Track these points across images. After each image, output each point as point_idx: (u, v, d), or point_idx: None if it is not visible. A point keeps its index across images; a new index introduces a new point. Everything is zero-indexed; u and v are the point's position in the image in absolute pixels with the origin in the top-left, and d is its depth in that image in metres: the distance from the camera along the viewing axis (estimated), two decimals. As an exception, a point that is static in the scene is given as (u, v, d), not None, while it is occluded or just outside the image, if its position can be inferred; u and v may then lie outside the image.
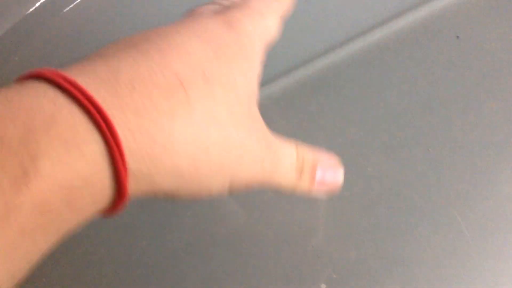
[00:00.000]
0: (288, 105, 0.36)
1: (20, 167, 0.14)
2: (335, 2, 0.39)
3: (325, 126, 0.35)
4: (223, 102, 0.19)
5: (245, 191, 0.21)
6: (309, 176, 0.23)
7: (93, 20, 0.41)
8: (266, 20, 0.23)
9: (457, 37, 0.36)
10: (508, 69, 0.35)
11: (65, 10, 0.41)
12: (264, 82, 0.37)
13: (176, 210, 0.33)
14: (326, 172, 0.24)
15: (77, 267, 0.31)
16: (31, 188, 0.14)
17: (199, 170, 0.18)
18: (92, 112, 0.15)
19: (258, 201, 0.33)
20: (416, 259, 0.30)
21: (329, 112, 0.36)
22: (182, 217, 0.32)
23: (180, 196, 0.19)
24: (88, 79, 0.16)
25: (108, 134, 0.15)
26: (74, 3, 0.41)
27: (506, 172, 0.32)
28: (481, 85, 0.34)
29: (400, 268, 0.30)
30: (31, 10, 0.41)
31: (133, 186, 0.17)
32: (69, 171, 0.14)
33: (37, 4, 0.41)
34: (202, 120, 0.18)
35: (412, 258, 0.30)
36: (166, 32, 0.20)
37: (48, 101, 0.15)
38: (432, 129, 0.34)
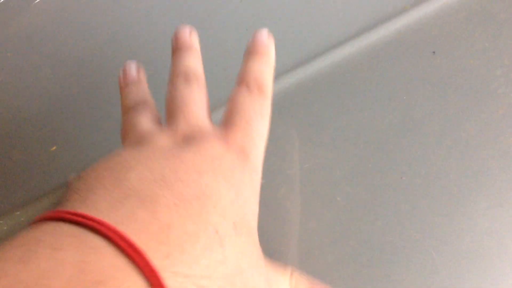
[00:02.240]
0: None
1: None
2: (305, 16, 0.36)
3: (292, 150, 0.32)
4: (246, 251, 0.20)
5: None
6: None
7: (64, 10, 0.38)
8: (263, 141, 0.24)
9: (433, 52, 0.33)
10: (486, 87, 0.32)
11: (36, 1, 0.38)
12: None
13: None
14: None
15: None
16: None
17: None
18: (151, 281, 0.16)
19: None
20: (388, 300, 0.28)
21: (295, 134, 0.33)
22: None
23: None
24: (140, 236, 0.17)
25: None
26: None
27: (483, 204, 0.29)
28: (459, 105, 0.32)
29: (370, 311, 0.27)
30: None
31: None
32: None
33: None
34: (232, 272, 0.19)
35: (384, 300, 0.28)
36: (196, 169, 0.20)
37: (114, 268, 0.15)
38: (406, 154, 0.31)
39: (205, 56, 0.28)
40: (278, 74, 0.34)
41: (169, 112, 0.25)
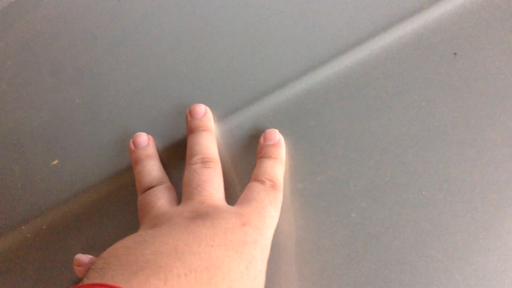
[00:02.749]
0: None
1: None
2: (316, 19, 0.33)
3: (303, 161, 0.30)
4: None
5: None
6: None
7: (66, 17, 0.37)
8: (273, 224, 0.27)
9: (455, 54, 0.31)
10: (509, 90, 0.30)
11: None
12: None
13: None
14: None
15: None
16: None
17: None
18: None
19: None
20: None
21: (306, 144, 0.31)
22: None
23: None
24: None
25: None
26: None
27: (510, 219, 0.27)
28: (483, 112, 0.30)
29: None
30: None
31: None
32: None
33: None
34: None
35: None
36: (208, 243, 0.23)
37: None
38: (426, 166, 0.29)
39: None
40: (288, 81, 0.32)
41: (186, 193, 0.27)
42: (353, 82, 0.31)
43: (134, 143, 0.31)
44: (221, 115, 0.32)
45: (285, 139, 0.31)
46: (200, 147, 0.29)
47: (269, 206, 0.27)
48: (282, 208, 0.29)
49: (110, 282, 0.19)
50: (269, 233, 0.26)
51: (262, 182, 0.28)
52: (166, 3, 0.36)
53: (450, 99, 0.30)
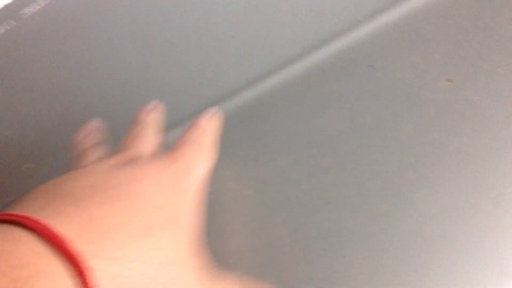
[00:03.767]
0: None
1: None
2: (254, 33, 0.40)
3: (250, 157, 0.36)
4: (180, 245, 0.24)
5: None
6: None
7: (41, 34, 0.41)
8: (204, 167, 0.28)
9: (372, 67, 0.38)
10: (418, 94, 0.37)
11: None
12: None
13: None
14: None
15: None
16: None
17: None
18: (76, 268, 0.18)
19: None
20: None
21: (257, 143, 0.36)
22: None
23: None
24: (65, 226, 0.19)
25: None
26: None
27: (421, 191, 0.34)
28: (397, 111, 0.37)
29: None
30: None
31: None
32: None
33: None
34: (166, 259, 0.22)
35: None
36: (132, 178, 0.24)
37: (34, 253, 0.17)
38: (354, 154, 0.35)
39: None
40: (234, 90, 0.38)
41: (121, 145, 0.28)
42: (294, 92, 0.38)
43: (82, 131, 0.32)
44: (175, 120, 0.37)
45: (231, 141, 0.36)
46: (135, 141, 0.29)
47: (195, 165, 0.28)
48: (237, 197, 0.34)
49: (24, 210, 0.19)
50: (199, 172, 0.28)
51: (193, 142, 0.29)
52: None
53: (370, 102, 0.37)
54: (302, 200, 0.34)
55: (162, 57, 0.40)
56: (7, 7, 0.43)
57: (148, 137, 0.29)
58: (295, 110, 0.37)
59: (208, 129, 0.31)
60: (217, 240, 0.34)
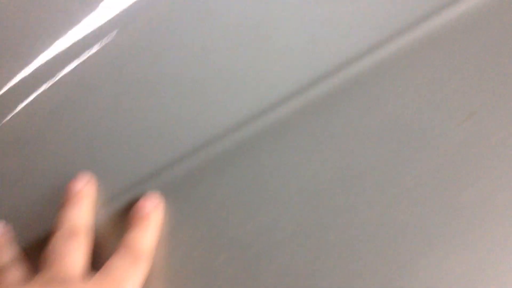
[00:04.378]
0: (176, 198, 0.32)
1: None
2: (239, 73, 0.35)
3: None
4: None
5: None
6: None
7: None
8: None
9: (370, 106, 0.33)
10: (423, 139, 0.32)
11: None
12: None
13: None
14: None
15: None
16: None
17: None
18: None
19: None
20: None
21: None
22: None
23: None
24: None
25: None
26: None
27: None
28: (400, 158, 0.31)
29: None
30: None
31: None
32: None
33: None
34: None
35: None
36: None
37: None
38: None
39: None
40: (217, 136, 0.33)
41: (44, 262, 0.27)
42: (282, 134, 0.33)
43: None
44: (111, 192, 0.33)
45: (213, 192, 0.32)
46: (70, 217, 0.29)
47: (128, 280, 0.27)
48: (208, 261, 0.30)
49: None
50: (134, 283, 0.27)
51: (127, 253, 0.28)
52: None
53: (371, 150, 0.32)
54: (284, 264, 0.30)
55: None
56: None
57: (75, 250, 0.28)
58: (283, 156, 0.32)
59: (147, 231, 0.30)
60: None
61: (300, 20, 0.34)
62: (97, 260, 0.30)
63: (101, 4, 0.35)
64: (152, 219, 0.30)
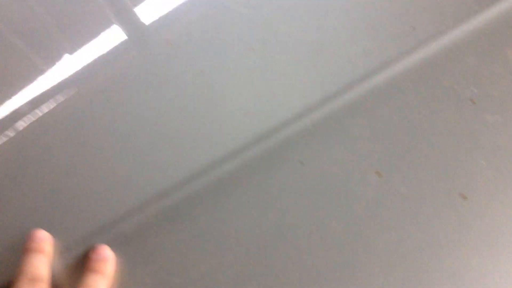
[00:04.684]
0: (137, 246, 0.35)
1: None
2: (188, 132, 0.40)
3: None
4: None
5: None
6: None
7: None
8: None
9: (301, 163, 0.39)
10: (347, 191, 0.37)
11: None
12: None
13: None
14: None
15: None
16: None
17: None
18: None
19: None
20: None
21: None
22: None
23: None
24: None
25: None
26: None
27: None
28: (326, 209, 0.37)
29: None
30: None
31: None
32: None
33: None
34: None
35: None
36: None
37: None
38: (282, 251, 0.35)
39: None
40: (160, 193, 0.37)
41: None
42: (219, 191, 0.38)
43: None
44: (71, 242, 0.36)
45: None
46: (30, 266, 0.32)
47: None
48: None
49: None
50: None
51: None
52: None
53: (300, 203, 0.37)
54: None
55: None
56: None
57: None
58: (223, 209, 0.37)
59: (104, 276, 0.33)
60: None
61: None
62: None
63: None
64: (107, 266, 0.33)
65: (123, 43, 0.42)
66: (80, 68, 0.41)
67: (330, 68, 0.41)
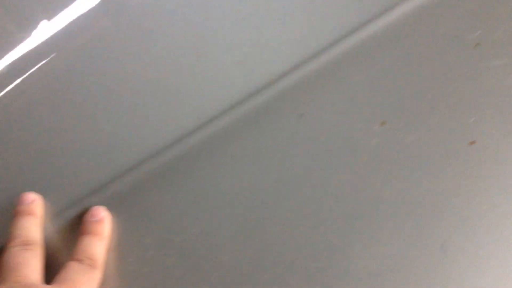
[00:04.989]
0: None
1: None
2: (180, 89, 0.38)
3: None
4: None
5: None
6: None
7: None
8: None
9: (301, 115, 0.37)
10: (350, 142, 0.36)
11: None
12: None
13: None
14: None
15: None
16: None
17: None
18: None
19: None
20: None
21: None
22: None
23: None
24: None
25: None
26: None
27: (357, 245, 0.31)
28: (330, 162, 0.35)
29: None
30: None
31: None
32: None
33: None
34: None
35: None
36: None
37: None
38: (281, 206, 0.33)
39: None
40: (157, 150, 0.36)
41: (3, 274, 0.28)
42: (217, 145, 0.36)
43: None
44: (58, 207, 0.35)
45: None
46: (22, 230, 0.31)
47: (85, 285, 0.29)
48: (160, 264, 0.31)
49: None
50: None
51: (80, 261, 0.30)
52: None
53: (299, 156, 0.35)
54: (229, 264, 0.31)
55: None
56: None
57: (32, 259, 0.29)
58: (221, 165, 0.35)
59: (100, 239, 0.31)
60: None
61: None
62: (47, 273, 0.31)
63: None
64: (103, 227, 0.32)
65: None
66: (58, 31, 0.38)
67: (327, 16, 0.39)
